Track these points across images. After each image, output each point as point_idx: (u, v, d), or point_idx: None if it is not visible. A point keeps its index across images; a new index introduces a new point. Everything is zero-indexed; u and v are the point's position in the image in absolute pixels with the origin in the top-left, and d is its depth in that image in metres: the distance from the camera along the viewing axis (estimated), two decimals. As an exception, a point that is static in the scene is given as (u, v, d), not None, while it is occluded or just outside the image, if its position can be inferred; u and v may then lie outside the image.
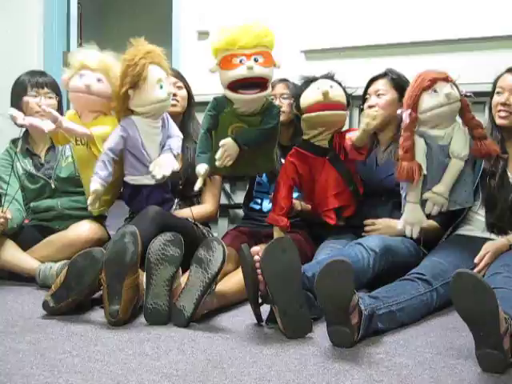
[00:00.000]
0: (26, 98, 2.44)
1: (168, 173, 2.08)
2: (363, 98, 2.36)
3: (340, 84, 2.16)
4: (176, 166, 2.12)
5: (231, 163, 2.02)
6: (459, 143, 1.94)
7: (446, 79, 1.93)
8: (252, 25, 2.00)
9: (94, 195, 2.05)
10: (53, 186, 2.44)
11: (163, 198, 2.19)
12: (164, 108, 2.14)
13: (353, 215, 2.21)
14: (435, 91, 1.91)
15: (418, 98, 1.92)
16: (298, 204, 2.35)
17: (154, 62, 2.07)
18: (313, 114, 2.10)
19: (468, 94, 1.98)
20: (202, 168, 2.02)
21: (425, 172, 1.93)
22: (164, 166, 2.09)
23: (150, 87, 2.06)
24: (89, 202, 2.06)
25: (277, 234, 2.14)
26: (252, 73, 1.94)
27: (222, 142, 2.01)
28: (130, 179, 2.17)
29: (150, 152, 2.13)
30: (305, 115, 2.13)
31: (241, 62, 1.95)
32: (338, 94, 2.11)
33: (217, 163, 2.02)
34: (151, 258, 1.77)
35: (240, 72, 1.95)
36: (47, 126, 2.12)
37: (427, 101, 1.91)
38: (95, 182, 2.06)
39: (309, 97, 2.11)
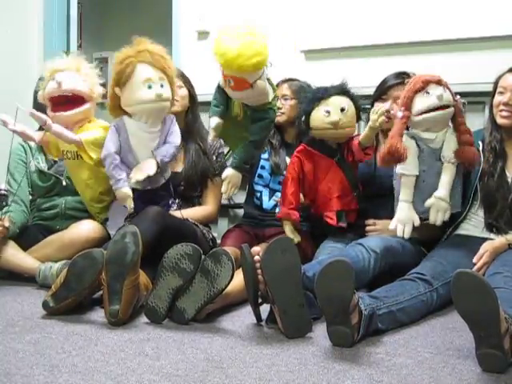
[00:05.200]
0: None
1: (141, 177, 2.05)
2: (375, 97, 2.34)
3: (354, 98, 2.13)
4: (152, 171, 2.05)
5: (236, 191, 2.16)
6: (450, 148, 1.96)
7: (439, 82, 1.94)
8: (233, 50, 1.88)
9: (129, 198, 2.06)
10: (64, 183, 2.43)
11: (153, 198, 2.15)
12: (154, 110, 2.05)
13: (355, 221, 2.22)
14: (427, 93, 1.93)
15: (412, 99, 1.94)
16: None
17: (145, 61, 2.02)
18: (321, 131, 2.12)
19: (462, 101, 2.00)
20: (213, 121, 2.10)
21: (417, 173, 1.95)
22: (140, 170, 2.06)
23: (135, 86, 2.02)
24: (131, 205, 2.06)
25: (288, 227, 2.15)
26: (227, 91, 2.03)
27: (224, 175, 2.10)
28: None
29: (140, 156, 2.10)
30: (313, 131, 2.15)
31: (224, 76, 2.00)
32: (348, 120, 2.10)
33: (224, 197, 2.20)
34: (165, 262, 1.76)
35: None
36: (38, 136, 2.11)
37: (420, 102, 1.93)
38: (124, 187, 2.05)
39: (318, 121, 2.11)
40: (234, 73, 1.91)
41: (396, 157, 1.90)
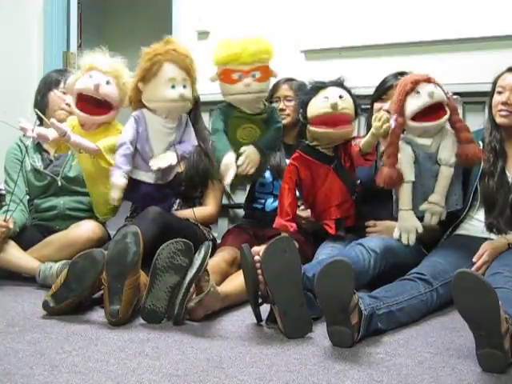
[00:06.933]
0: (54, 92, 2.44)
1: (164, 165, 2.06)
2: (375, 98, 2.33)
3: (350, 92, 2.10)
4: (174, 161, 2.08)
5: (253, 171, 2.04)
6: (447, 151, 1.96)
7: (429, 80, 1.93)
8: (252, 41, 2.00)
9: (119, 190, 2.03)
10: (59, 183, 2.43)
11: (161, 197, 2.16)
12: (175, 109, 2.08)
13: (353, 225, 2.21)
14: (418, 92, 1.91)
15: (403, 102, 1.93)
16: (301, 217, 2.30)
17: (172, 60, 2.02)
18: (319, 130, 2.07)
19: (454, 97, 1.99)
20: (228, 158, 1.98)
21: (413, 179, 1.96)
22: (162, 159, 2.08)
23: (159, 84, 2.03)
24: (115, 197, 2.02)
25: None
26: (249, 89, 2.01)
27: (242, 149, 2.02)
28: (131, 172, 2.12)
29: (156, 150, 2.11)
30: (311, 128, 2.09)
31: (239, 77, 2.01)
32: (347, 106, 2.05)
33: (239, 170, 2.00)
34: (158, 264, 1.75)
35: (239, 88, 2.02)
36: (52, 134, 2.11)
37: (411, 103, 1.92)
38: (120, 177, 2.03)
39: (316, 107, 2.06)
40: (257, 61, 1.98)
41: (393, 185, 1.96)
